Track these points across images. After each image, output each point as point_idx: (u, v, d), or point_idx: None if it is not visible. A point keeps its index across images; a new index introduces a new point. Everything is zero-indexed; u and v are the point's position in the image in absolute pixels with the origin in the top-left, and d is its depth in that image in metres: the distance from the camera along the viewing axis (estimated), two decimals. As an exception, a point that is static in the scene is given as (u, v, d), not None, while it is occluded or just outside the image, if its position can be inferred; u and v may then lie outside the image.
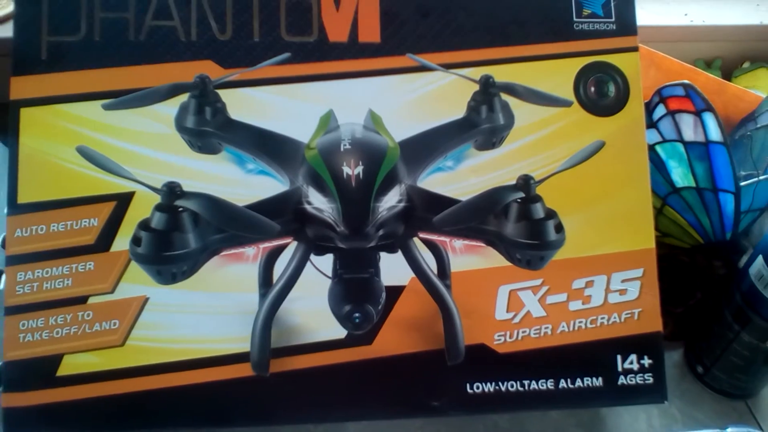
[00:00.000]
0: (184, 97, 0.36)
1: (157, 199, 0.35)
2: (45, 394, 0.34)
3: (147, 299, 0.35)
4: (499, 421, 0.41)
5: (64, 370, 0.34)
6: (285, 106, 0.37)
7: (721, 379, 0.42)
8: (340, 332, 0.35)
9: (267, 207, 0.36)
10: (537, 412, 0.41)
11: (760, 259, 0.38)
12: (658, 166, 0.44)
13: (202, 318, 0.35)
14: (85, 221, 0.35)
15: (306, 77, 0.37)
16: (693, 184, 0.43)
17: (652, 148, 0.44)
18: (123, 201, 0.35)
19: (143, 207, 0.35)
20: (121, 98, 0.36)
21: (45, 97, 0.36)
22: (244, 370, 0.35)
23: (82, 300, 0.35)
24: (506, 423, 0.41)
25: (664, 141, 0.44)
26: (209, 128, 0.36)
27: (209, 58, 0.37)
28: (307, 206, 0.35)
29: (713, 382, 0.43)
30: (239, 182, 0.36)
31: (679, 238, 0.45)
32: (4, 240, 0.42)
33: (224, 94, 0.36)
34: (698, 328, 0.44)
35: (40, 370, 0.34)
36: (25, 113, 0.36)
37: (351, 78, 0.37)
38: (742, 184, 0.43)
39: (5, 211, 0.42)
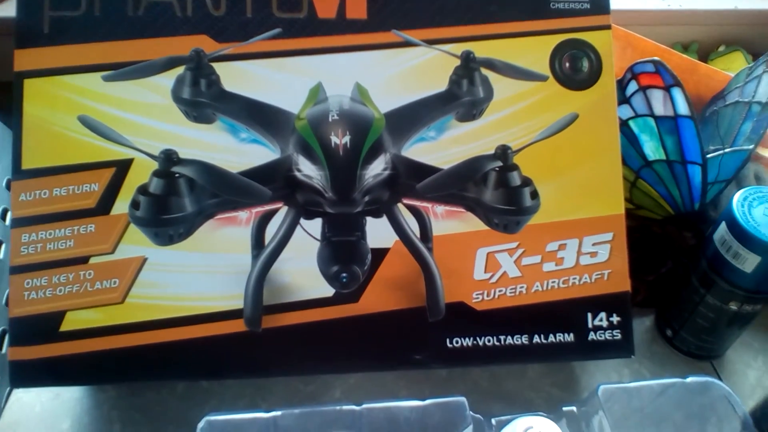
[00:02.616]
0: (180, 70, 0.38)
1: (154, 165, 0.37)
2: (49, 348, 0.36)
3: (145, 259, 0.37)
4: (479, 380, 0.43)
5: (66, 325, 0.36)
6: (276, 78, 0.39)
7: (688, 341, 0.45)
8: (328, 291, 0.37)
9: (259, 174, 0.38)
10: (514, 372, 0.44)
11: (723, 225, 0.40)
12: (631, 140, 0.46)
13: (197, 277, 0.37)
14: (86, 186, 0.37)
15: (296, 51, 0.39)
16: (663, 157, 0.46)
17: (625, 123, 0.46)
18: (122, 167, 0.37)
19: (141, 173, 0.37)
20: (120, 70, 0.38)
21: (47, 68, 0.38)
22: (238, 326, 0.37)
23: (83, 260, 0.37)
24: (486, 382, 0.43)
25: (637, 116, 0.46)
26: (204, 99, 0.38)
27: (204, 32, 0.38)
28: (297, 173, 0.38)
29: (681, 345, 0.46)
30: (233, 150, 0.38)
31: (652, 209, 0.48)
32: (4, 211, 0.44)
33: (218, 67, 0.38)
34: (668, 295, 0.46)
35: (44, 326, 0.36)
36: (29, 84, 0.37)
37: (339, 53, 0.39)
38: (708, 156, 0.45)
39: (3, 184, 0.44)
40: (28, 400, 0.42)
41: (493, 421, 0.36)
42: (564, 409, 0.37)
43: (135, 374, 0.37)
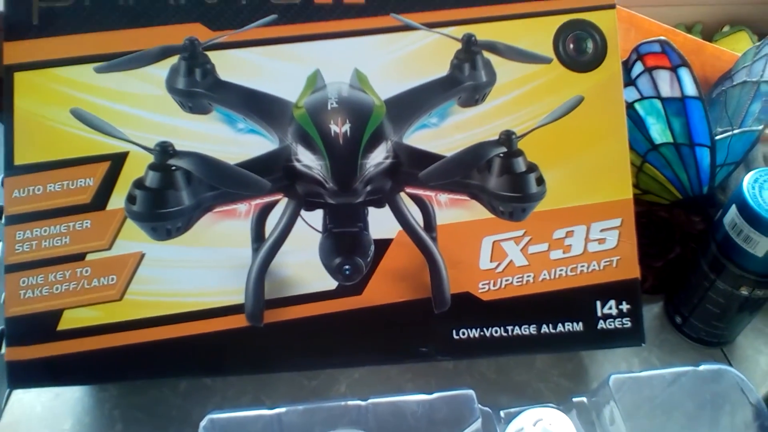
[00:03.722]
0: (174, 59, 0.37)
1: (150, 158, 0.36)
2: (47, 348, 0.35)
3: (143, 255, 0.36)
4: (486, 372, 0.43)
5: (64, 324, 0.35)
6: (272, 66, 0.38)
7: (698, 327, 0.44)
8: (331, 283, 0.37)
9: (257, 165, 0.37)
10: (522, 363, 0.43)
11: (733, 208, 0.39)
12: (637, 123, 0.45)
13: (197, 272, 0.36)
14: (81, 181, 0.36)
15: (292, 38, 0.38)
16: (671, 140, 0.45)
17: (631, 105, 0.45)
18: (117, 161, 0.36)
19: (137, 167, 0.36)
20: (112, 61, 0.37)
21: (38, 61, 0.37)
22: (239, 321, 0.36)
23: (80, 257, 0.36)
24: (493, 374, 0.43)
25: (643, 98, 0.45)
26: (199, 89, 0.37)
27: (198, 20, 0.37)
28: (296, 164, 0.37)
29: (691, 331, 0.45)
30: (230, 141, 0.37)
31: (659, 194, 0.47)
32: None
33: (213, 56, 0.37)
34: (677, 281, 0.46)
35: (42, 325, 0.35)
36: (19, 77, 0.36)
37: (336, 38, 0.38)
38: (717, 138, 0.44)
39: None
40: (29, 400, 0.41)
41: (502, 413, 0.35)
42: (574, 399, 0.36)
43: (135, 373, 0.36)
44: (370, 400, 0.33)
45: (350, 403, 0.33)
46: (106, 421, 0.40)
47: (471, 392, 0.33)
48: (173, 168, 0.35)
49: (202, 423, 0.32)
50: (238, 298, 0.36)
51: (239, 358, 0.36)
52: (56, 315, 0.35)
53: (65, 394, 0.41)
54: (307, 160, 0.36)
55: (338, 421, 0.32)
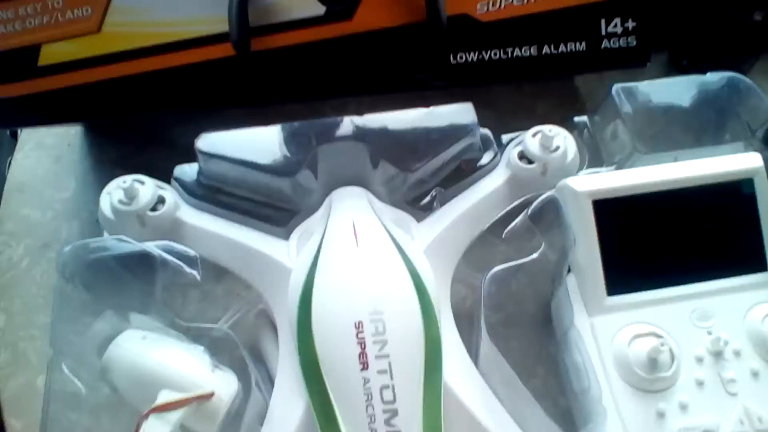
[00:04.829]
0: None
1: None
2: (29, 85, 0.34)
3: (116, -18, 0.34)
4: (488, 114, 0.41)
5: (44, 59, 0.34)
6: None
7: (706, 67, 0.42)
8: (318, 8, 0.34)
9: None
10: (526, 105, 0.41)
11: None
12: None
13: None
14: None
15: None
16: None
17: None
18: None
19: None
20: None
21: None
22: (226, 50, 0.34)
23: (49, -13, 0.33)
24: (496, 114, 0.41)
25: None
26: None
27: None
28: None
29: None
30: None
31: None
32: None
33: None
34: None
35: (21, 61, 0.34)
36: None
37: None
38: None
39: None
40: (29, 165, 0.41)
41: (503, 137, 0.35)
42: (575, 119, 0.35)
43: (122, 106, 0.35)
44: (366, 116, 0.32)
45: (346, 118, 0.32)
46: (109, 178, 0.39)
47: (469, 104, 0.32)
48: None
49: (198, 142, 0.31)
50: (223, 27, 0.34)
51: (229, 88, 0.35)
52: (34, 50, 0.34)
53: (65, 158, 0.41)
54: None
55: (335, 135, 0.31)
